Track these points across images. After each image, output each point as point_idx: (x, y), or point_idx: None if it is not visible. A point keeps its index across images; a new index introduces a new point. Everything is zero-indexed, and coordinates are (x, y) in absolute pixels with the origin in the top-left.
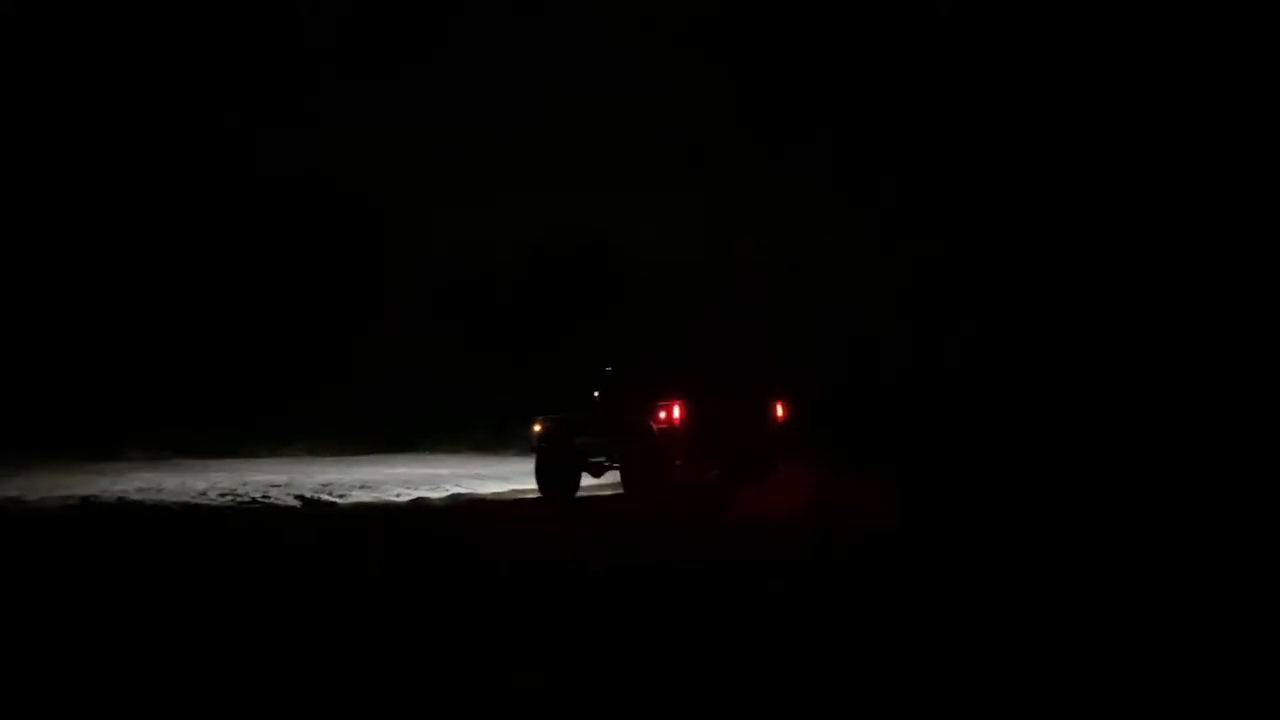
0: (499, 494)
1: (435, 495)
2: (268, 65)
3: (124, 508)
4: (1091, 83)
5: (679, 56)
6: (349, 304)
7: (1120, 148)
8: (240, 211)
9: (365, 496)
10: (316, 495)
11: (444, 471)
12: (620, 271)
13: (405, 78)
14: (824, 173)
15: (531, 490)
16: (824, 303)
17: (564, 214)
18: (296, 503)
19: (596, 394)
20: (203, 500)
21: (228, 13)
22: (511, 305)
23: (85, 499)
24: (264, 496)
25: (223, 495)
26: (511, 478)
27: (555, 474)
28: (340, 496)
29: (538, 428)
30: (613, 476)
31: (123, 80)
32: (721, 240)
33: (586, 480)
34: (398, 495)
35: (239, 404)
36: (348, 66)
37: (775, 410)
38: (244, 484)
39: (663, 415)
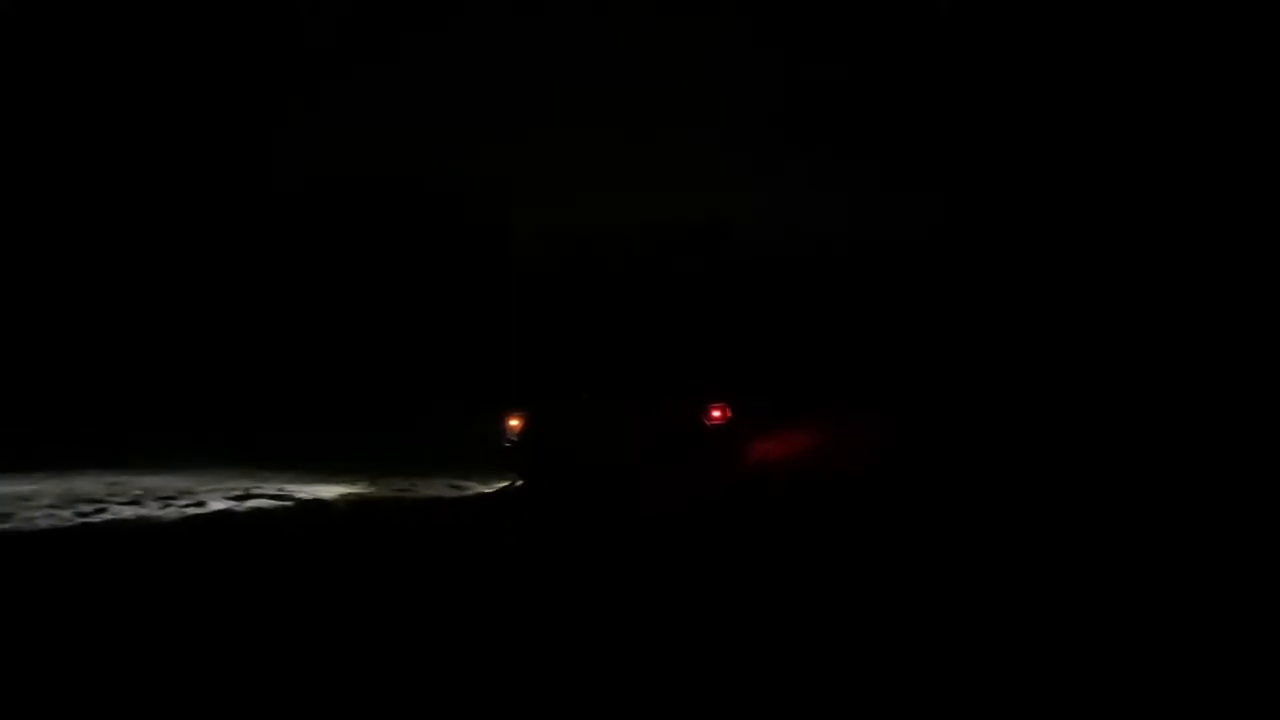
0: None
1: None
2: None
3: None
4: (1092, 84)
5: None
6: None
7: (1122, 149)
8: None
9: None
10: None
11: None
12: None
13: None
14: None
15: None
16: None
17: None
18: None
19: (587, 394)
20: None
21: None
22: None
23: (247, 491)
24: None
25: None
26: None
27: (545, 472)
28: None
29: (516, 423)
30: None
31: (130, 77)
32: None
33: None
34: None
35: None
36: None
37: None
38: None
39: (716, 414)
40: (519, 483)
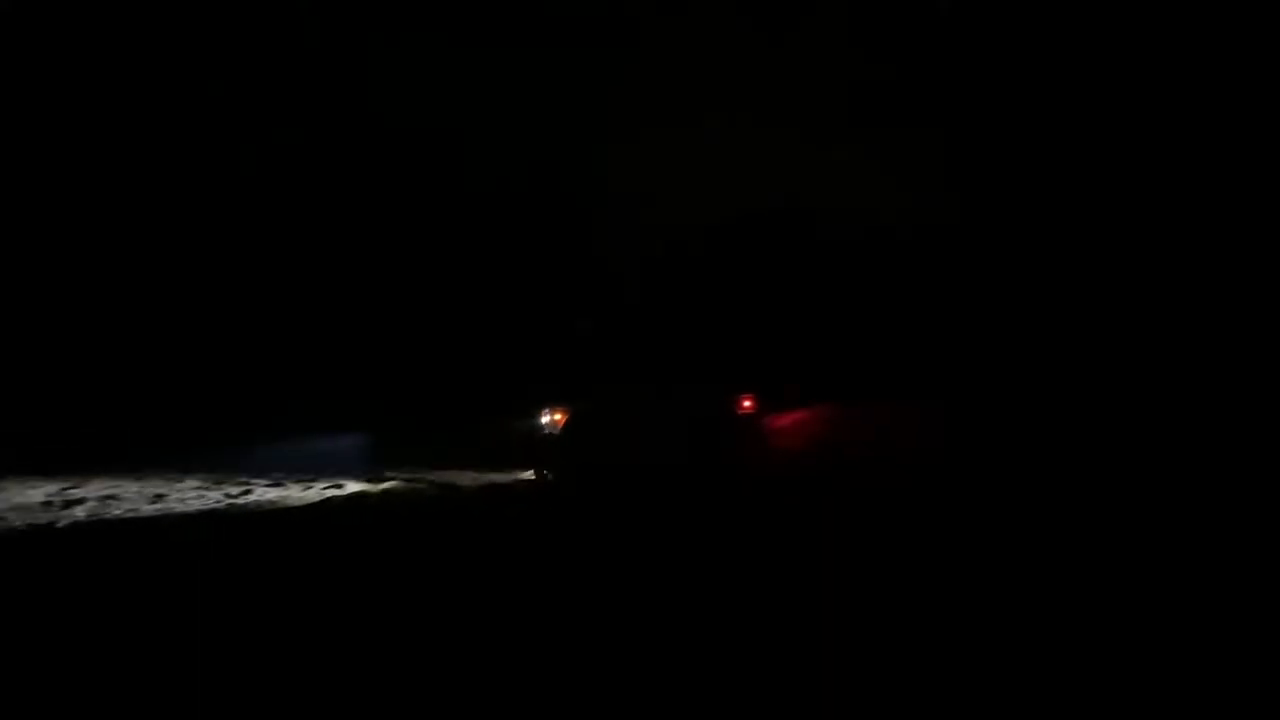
0: None
1: None
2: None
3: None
4: (1093, 85)
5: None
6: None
7: (1123, 151)
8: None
9: None
10: None
11: None
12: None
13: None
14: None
15: None
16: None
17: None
18: None
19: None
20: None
21: None
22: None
23: (381, 475)
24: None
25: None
26: None
27: (587, 462)
28: None
29: (558, 417)
30: None
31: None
32: None
33: None
34: None
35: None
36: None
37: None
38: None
39: (747, 404)
40: (547, 473)
